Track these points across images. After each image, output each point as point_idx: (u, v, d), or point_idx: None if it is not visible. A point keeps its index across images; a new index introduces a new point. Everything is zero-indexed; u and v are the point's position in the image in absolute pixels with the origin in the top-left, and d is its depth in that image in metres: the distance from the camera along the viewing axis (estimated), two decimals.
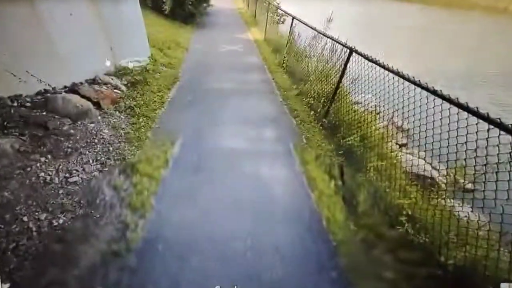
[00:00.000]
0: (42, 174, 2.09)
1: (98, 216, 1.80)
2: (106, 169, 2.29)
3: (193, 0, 7.73)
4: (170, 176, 2.26)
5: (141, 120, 3.18)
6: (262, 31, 7.82)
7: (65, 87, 2.91)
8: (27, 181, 1.97)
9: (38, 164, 2.14)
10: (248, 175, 2.33)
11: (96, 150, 2.53)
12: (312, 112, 3.52)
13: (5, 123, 2.26)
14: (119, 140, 2.77)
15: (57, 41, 2.64)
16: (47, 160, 2.20)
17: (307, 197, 2.12)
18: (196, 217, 1.86)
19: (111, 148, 2.62)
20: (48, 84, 2.68)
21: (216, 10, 11.89)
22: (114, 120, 3.00)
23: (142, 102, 3.50)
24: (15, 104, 2.44)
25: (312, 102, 3.62)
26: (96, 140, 2.65)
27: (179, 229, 1.76)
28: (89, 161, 2.39)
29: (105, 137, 2.74)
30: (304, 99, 3.84)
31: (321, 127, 3.28)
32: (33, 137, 2.30)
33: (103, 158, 2.44)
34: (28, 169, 2.06)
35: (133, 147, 2.65)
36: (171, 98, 3.92)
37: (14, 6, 2.17)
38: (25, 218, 1.70)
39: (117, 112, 3.14)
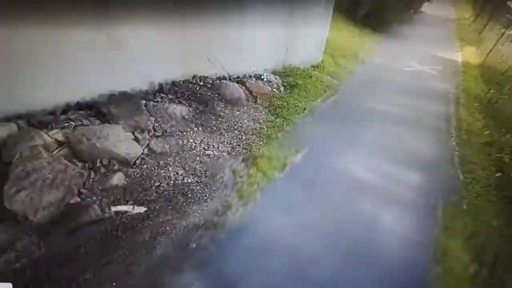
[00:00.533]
0: (191, 140, 3.12)
1: (213, 188, 2.44)
2: (234, 153, 2.89)
3: (396, 5, 7.64)
4: (281, 181, 2.67)
5: (278, 120, 3.90)
6: (481, 53, 6.57)
7: (238, 77, 4.35)
8: (180, 141, 2.89)
9: (191, 132, 3.04)
10: (363, 220, 2.36)
11: (232, 135, 3.41)
12: (498, 174, 2.90)
13: (190, 95, 3.58)
14: (253, 132, 3.54)
15: (247, 41, 3.82)
16: (197, 131, 3.08)
17: None
18: (288, 225, 2.24)
19: (243, 137, 3.44)
20: (228, 72, 4.17)
21: (424, 19, 11.92)
22: (256, 114, 3.62)
23: (289, 105, 4.15)
24: (201, 83, 3.91)
25: (508, 161, 3.01)
26: (236, 126, 3.49)
27: (266, 229, 2.18)
28: (224, 141, 3.23)
29: (244, 126, 3.62)
30: (493, 153, 3.34)
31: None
32: (196, 110, 3.33)
33: (234, 143, 3.10)
34: (184, 133, 3.01)
35: (261, 142, 3.10)
36: (319, 108, 4.41)
37: (226, 13, 3.49)
38: (170, 168, 2.56)
39: (264, 108, 3.81)
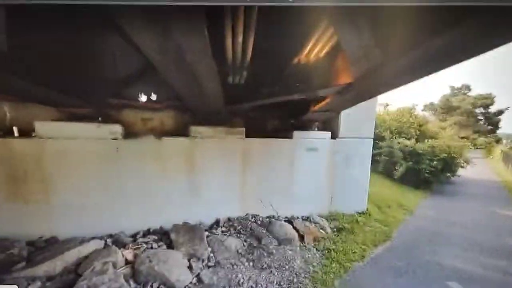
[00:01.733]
0: (240, 275, 3.18)
1: None
2: None
3: (432, 169, 8.57)
4: None
5: (334, 265, 3.69)
6: None
7: (286, 217, 4.77)
8: (229, 275, 3.02)
9: (241, 266, 3.22)
10: None
11: (283, 275, 3.34)
12: None
13: (241, 230, 4.10)
14: (305, 275, 3.38)
15: (296, 187, 4.61)
16: (248, 266, 3.21)
17: None
18: None
19: (295, 279, 3.29)
20: (277, 213, 4.69)
21: (464, 181, 11.97)
22: (308, 255, 3.65)
23: (341, 249, 4.11)
24: (252, 219, 4.45)
25: None
26: (286, 266, 3.49)
27: None
28: (273, 282, 3.17)
29: (295, 267, 3.53)
30: None
31: None
32: (249, 245, 3.59)
33: (285, 286, 3.00)
34: (235, 266, 3.15)
35: None
36: (375, 255, 4.11)
37: (278, 164, 4.70)
38: None
39: (314, 249, 3.83)
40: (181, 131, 4.03)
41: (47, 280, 2.65)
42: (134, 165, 3.59)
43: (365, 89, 2.58)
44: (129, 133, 3.66)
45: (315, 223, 4.50)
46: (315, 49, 2.52)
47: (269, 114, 4.18)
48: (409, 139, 9.95)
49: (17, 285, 2.48)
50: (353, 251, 3.88)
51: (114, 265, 2.82)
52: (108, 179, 3.50)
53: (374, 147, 5.45)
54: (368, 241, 4.26)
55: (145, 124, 3.95)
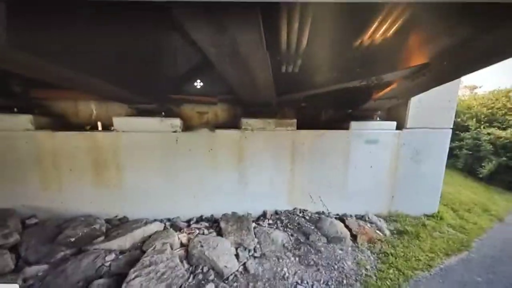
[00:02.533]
0: (285, 269, 3.19)
1: None
2: None
3: None
4: None
5: (391, 271, 3.36)
6: None
7: (337, 214, 4.53)
8: (275, 268, 3.10)
9: (287, 260, 3.26)
10: None
11: (331, 275, 3.19)
12: None
13: (288, 224, 4.09)
14: (357, 278, 3.17)
15: (350, 183, 4.42)
16: (293, 261, 3.26)
17: None
18: None
19: (345, 281, 3.12)
20: (327, 209, 4.49)
21: None
22: (361, 257, 3.49)
23: (402, 254, 3.72)
24: (300, 214, 4.38)
25: None
26: (335, 266, 3.34)
27: None
28: (320, 280, 3.08)
29: (345, 267, 3.36)
30: None
31: None
32: (296, 240, 3.64)
33: (332, 286, 2.95)
34: (280, 260, 3.23)
35: None
36: (446, 266, 3.57)
37: (332, 158, 4.49)
38: None
39: (368, 251, 3.65)
40: (233, 123, 4.28)
41: (120, 253, 3.16)
42: (190, 156, 3.95)
43: (445, 70, 2.21)
44: (187, 126, 4.07)
45: (371, 223, 4.25)
46: (381, 28, 2.25)
47: (324, 104, 4.05)
48: (504, 129, 8.24)
49: (98, 255, 2.98)
50: (417, 258, 3.53)
51: (171, 246, 3.21)
52: (168, 168, 3.96)
53: (452, 139, 4.64)
54: (437, 249, 3.76)
55: (201, 117, 4.30)
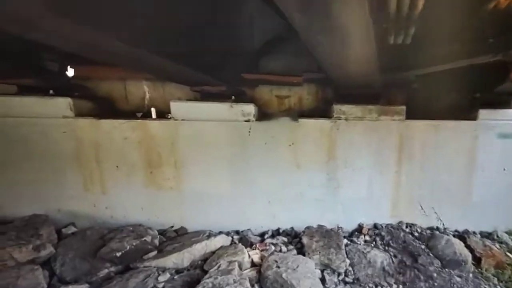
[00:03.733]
0: None
1: None
2: None
3: None
4: None
5: None
6: None
7: (456, 231, 3.64)
8: None
9: None
10: None
11: None
12: None
13: (391, 241, 3.37)
14: None
15: (475, 190, 3.62)
16: None
17: None
18: None
19: None
20: (443, 224, 3.60)
21: None
22: (486, 287, 2.89)
23: None
24: (407, 229, 3.59)
25: None
26: None
27: None
28: None
29: None
30: None
31: None
32: (400, 262, 3.09)
33: None
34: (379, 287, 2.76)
35: None
36: None
37: (449, 151, 3.56)
38: None
39: (495, 278, 3.02)
40: (321, 110, 3.71)
41: (176, 272, 2.81)
42: (265, 152, 3.42)
43: None
44: (263, 114, 3.57)
45: (501, 243, 3.60)
46: None
47: (442, 86, 3.51)
48: None
49: (149, 274, 2.66)
50: None
51: (240, 266, 2.82)
52: (237, 167, 3.45)
53: None
54: None
55: (281, 102, 3.73)
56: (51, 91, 3.37)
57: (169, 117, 3.41)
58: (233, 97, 3.48)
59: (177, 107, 3.36)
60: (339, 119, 3.42)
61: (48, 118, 3.27)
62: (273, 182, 3.50)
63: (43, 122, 3.27)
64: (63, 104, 3.28)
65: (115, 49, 1.96)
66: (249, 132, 3.40)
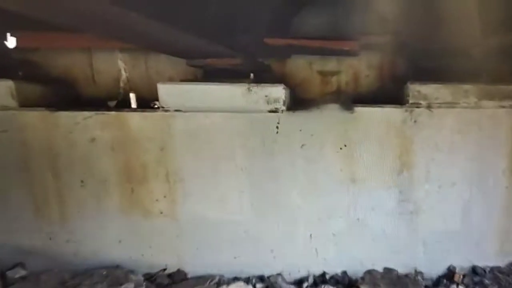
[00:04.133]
0: None
1: None
2: None
3: None
4: None
5: None
6: None
7: None
8: None
9: None
10: None
11: None
12: None
13: None
14: None
15: None
16: None
17: None
18: None
19: None
20: None
21: None
22: None
23: None
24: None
25: None
26: None
27: None
28: None
29: None
30: None
31: None
32: None
33: None
34: None
35: None
36: None
37: None
38: None
39: None
40: (388, 94, 2.54)
41: None
42: (303, 159, 2.36)
43: None
44: (298, 101, 2.48)
45: None
46: None
47: None
48: None
49: None
50: None
51: None
52: (261, 182, 2.40)
53: None
54: None
55: (325, 82, 2.75)
56: None
57: (156, 106, 2.42)
58: (252, 74, 2.43)
59: (168, 92, 2.30)
60: (418, 107, 2.28)
61: None
62: (315, 204, 2.44)
63: None
64: (0, 88, 2.27)
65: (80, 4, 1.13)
66: (277, 128, 2.32)
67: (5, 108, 2.28)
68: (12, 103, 2.28)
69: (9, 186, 2.38)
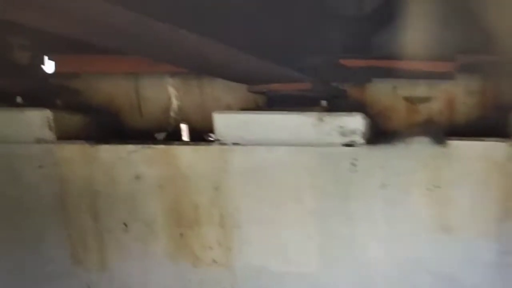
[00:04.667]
0: None
1: None
2: None
3: None
4: None
5: None
6: None
7: None
8: None
9: None
10: None
11: None
12: None
13: None
14: None
15: None
16: None
17: None
18: None
19: None
20: None
21: None
22: None
23: None
24: None
25: None
26: None
27: None
28: None
29: None
30: None
31: None
32: None
33: None
34: None
35: None
36: None
37: None
38: None
39: None
40: (489, 125, 2.11)
41: None
42: (384, 203, 1.99)
43: None
44: (378, 133, 2.13)
45: None
46: None
47: None
48: None
49: None
50: None
51: None
52: (333, 229, 2.05)
53: None
54: None
55: (413, 110, 2.29)
56: (17, 98, 2.10)
57: (211, 139, 2.12)
58: (324, 102, 2.03)
59: (225, 122, 2.00)
60: None
61: (11, 144, 2.04)
62: (397, 256, 2.05)
63: (3, 150, 2.05)
64: (37, 119, 2.02)
65: (122, 21, 0.93)
66: (354, 165, 1.97)
67: (41, 141, 2.01)
68: (49, 135, 2.01)
69: (44, 227, 2.12)
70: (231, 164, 2.02)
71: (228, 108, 2.29)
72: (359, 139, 1.94)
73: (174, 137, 2.34)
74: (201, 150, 2.05)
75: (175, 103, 2.28)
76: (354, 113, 1.95)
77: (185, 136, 2.31)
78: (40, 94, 2.17)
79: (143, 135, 2.31)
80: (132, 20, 0.96)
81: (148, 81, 2.40)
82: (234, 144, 2.00)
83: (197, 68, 2.13)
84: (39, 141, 2.03)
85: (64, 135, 2.07)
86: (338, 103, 2.11)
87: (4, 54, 2.09)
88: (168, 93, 2.31)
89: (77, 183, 2.09)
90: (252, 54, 1.56)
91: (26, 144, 2.05)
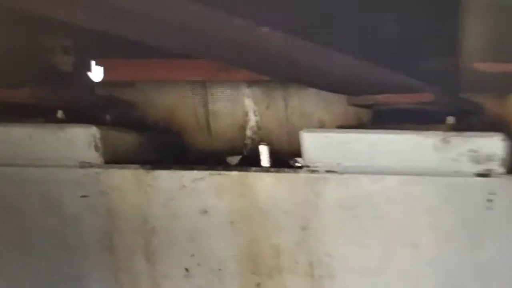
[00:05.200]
0: None
1: None
2: None
3: None
4: None
5: None
6: None
7: None
8: None
9: None
10: None
11: None
12: None
13: None
14: None
15: None
16: None
17: None
18: None
19: None
20: None
21: None
22: None
23: None
24: None
25: None
26: None
27: None
28: None
29: None
30: None
31: None
32: None
33: None
34: None
35: None
36: None
37: None
38: None
39: None
40: None
41: None
42: None
43: None
44: None
45: None
46: None
47: None
48: None
49: None
50: None
51: None
52: (457, 281, 1.62)
53: None
54: None
55: None
56: (59, 113, 1.78)
57: (298, 165, 1.73)
58: (450, 118, 1.61)
59: (317, 144, 1.63)
60: None
61: (49, 168, 1.76)
62: None
63: (41, 175, 1.77)
64: (81, 138, 1.73)
65: (186, 15, 0.60)
66: (490, 201, 1.53)
67: (87, 165, 1.70)
68: (96, 158, 1.71)
69: (88, 270, 1.80)
70: (323, 197, 1.64)
71: (321, 125, 1.91)
72: (497, 167, 1.54)
73: (250, 162, 1.99)
74: (284, 179, 1.69)
75: (253, 119, 1.90)
76: (491, 133, 1.57)
77: (265, 161, 1.93)
78: (85, 107, 1.87)
79: (212, 159, 1.98)
80: (199, 14, 0.68)
81: (218, 91, 2.05)
82: (328, 172, 1.62)
83: (282, 74, 1.77)
84: (83, 165, 1.73)
85: (114, 158, 1.77)
86: (469, 120, 1.71)
87: (42, 59, 1.83)
88: (244, 107, 1.94)
89: (129, 216, 1.78)
90: (354, 55, 1.22)
91: (68, 168, 1.76)
